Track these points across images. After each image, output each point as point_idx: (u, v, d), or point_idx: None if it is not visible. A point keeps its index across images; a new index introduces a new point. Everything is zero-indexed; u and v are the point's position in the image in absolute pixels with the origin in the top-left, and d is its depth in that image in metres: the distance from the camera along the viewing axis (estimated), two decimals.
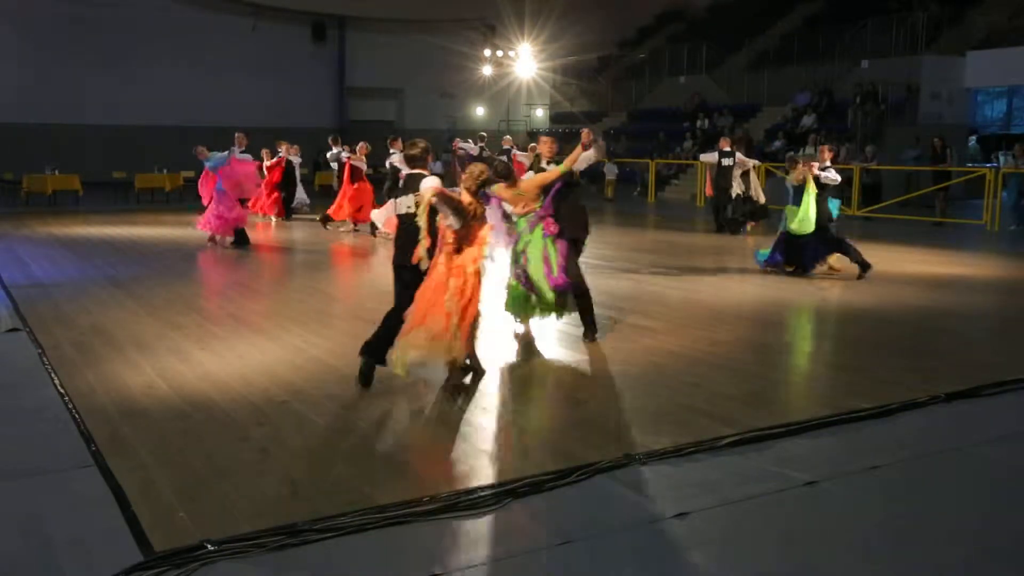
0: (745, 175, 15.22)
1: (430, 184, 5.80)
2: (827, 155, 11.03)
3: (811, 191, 10.46)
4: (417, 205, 5.79)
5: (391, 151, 13.95)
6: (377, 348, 5.92)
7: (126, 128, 27.39)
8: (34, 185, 21.14)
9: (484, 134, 19.31)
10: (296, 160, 17.48)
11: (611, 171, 24.30)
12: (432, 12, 30.53)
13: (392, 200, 6.33)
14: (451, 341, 5.71)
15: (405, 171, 6.33)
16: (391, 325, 5.92)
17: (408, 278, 5.94)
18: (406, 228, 5.96)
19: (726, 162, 15.18)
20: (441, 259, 5.85)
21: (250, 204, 16.65)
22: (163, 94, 27.84)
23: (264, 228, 16.25)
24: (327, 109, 31.47)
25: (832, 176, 10.67)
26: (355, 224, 15.27)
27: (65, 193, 21.32)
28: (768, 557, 3.69)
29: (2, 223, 16.81)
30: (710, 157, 15.81)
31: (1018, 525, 4.06)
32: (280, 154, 17.20)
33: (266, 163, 17.05)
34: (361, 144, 15.35)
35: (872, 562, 3.65)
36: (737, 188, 15.16)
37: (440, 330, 5.68)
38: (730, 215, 15.38)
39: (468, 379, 6.11)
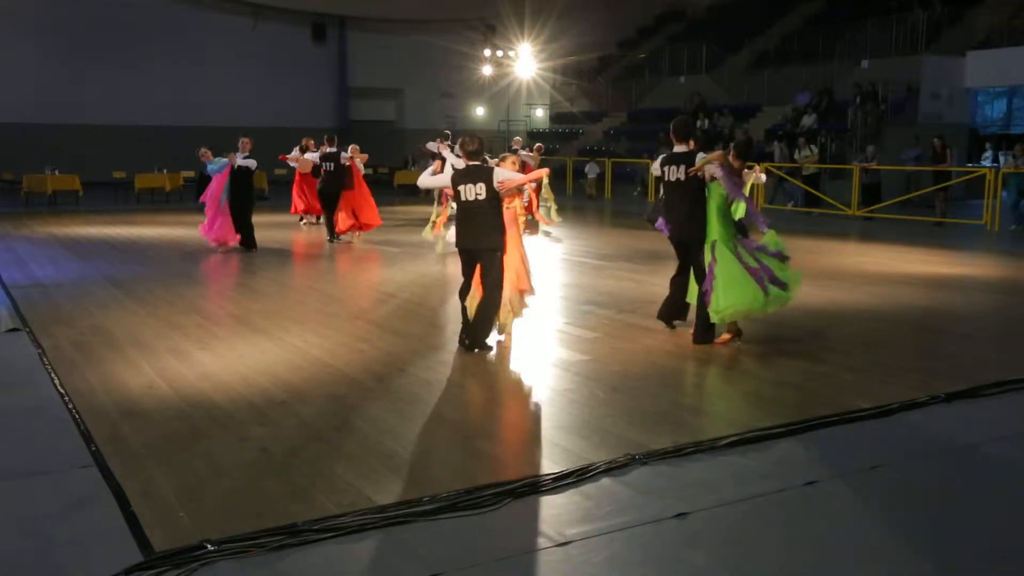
0: None
1: (509, 172, 6.78)
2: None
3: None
4: (488, 192, 6.66)
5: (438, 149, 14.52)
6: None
7: (126, 128, 27.39)
8: (34, 185, 21.15)
9: (448, 132, 18.90)
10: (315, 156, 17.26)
11: (592, 170, 25.10)
12: (432, 12, 30.52)
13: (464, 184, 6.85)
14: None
15: (458, 165, 7.32)
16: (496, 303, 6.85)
17: (489, 258, 6.75)
18: (475, 213, 6.68)
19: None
20: (514, 233, 6.98)
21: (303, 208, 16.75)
22: (163, 94, 27.85)
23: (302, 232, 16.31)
24: (327, 109, 31.46)
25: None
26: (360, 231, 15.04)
27: (65, 193, 21.34)
28: (768, 557, 3.69)
29: (2, 223, 16.83)
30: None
31: (1018, 525, 4.06)
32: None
33: (294, 155, 16.85)
34: (353, 146, 15.24)
35: (872, 562, 3.65)
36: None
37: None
38: None
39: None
